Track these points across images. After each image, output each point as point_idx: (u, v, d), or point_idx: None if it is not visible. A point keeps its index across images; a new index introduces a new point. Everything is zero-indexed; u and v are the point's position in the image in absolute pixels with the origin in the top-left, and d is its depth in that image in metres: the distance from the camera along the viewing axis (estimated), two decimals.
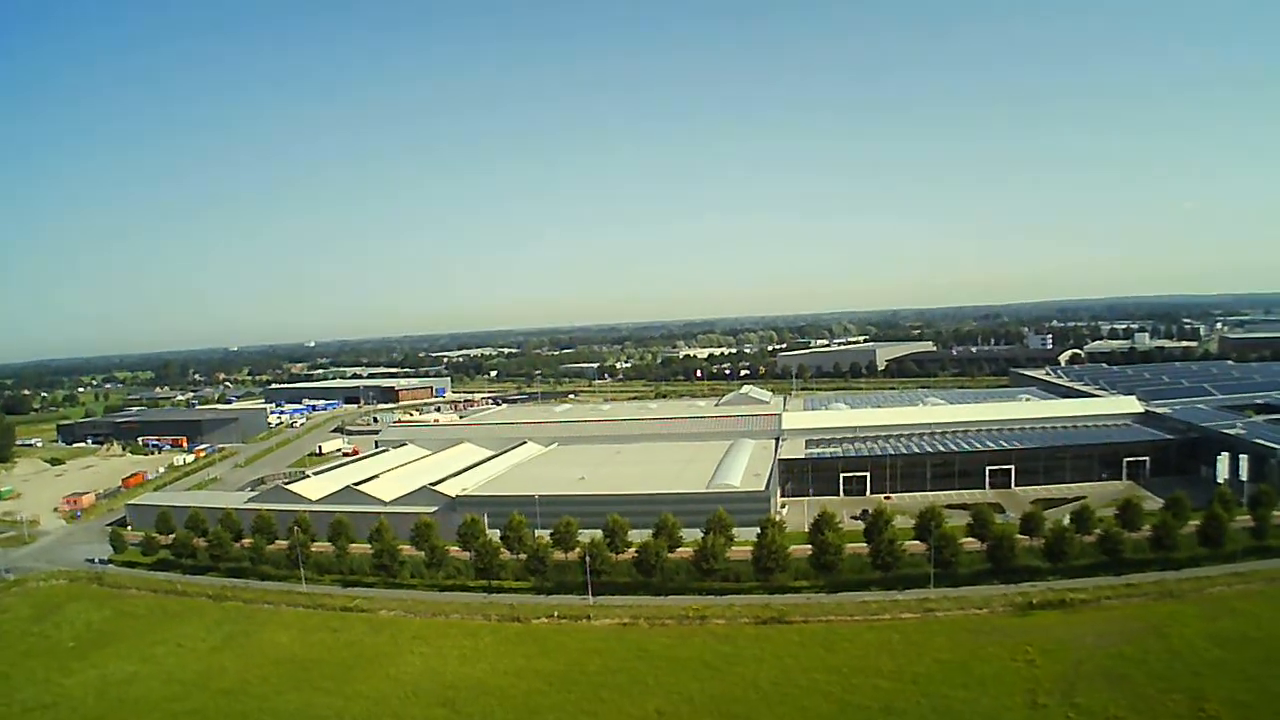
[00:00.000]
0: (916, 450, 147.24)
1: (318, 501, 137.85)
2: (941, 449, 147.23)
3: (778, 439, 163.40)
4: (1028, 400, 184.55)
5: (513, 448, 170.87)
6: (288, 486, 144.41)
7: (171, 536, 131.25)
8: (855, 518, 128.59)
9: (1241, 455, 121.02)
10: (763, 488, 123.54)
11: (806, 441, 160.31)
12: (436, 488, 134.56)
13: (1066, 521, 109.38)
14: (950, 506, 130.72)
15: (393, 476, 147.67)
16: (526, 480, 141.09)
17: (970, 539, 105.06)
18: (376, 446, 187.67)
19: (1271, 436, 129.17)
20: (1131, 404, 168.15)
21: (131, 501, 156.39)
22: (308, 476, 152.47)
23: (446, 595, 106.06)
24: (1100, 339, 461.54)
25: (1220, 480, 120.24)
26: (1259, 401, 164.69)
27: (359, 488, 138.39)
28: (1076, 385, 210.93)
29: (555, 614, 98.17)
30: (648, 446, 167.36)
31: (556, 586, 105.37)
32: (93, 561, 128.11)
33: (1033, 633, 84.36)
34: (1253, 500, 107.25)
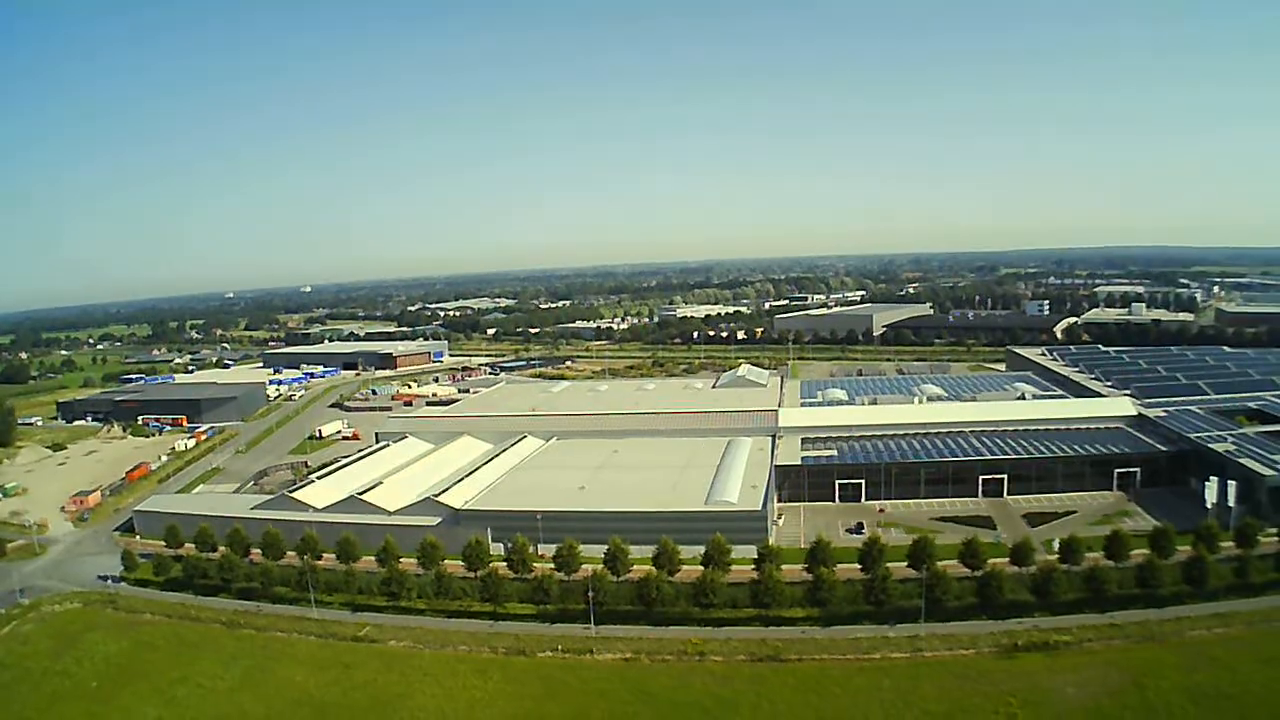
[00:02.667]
0: (911, 458, 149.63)
1: (323, 510, 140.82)
2: (936, 456, 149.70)
3: (774, 436, 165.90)
4: (1022, 399, 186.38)
5: (512, 444, 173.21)
6: (292, 494, 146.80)
7: (182, 549, 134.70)
8: (850, 530, 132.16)
9: (1230, 481, 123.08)
10: (759, 506, 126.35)
11: (802, 441, 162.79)
12: (440, 498, 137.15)
13: (1056, 546, 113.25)
14: (943, 519, 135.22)
15: (395, 482, 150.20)
16: (528, 488, 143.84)
17: (960, 563, 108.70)
18: (377, 440, 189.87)
19: (1260, 456, 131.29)
20: (1124, 405, 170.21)
21: (139, 508, 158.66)
22: (311, 481, 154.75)
23: (453, 622, 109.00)
24: (1096, 305, 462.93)
25: (1209, 504, 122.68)
26: (1252, 405, 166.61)
27: (363, 497, 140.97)
28: (1072, 374, 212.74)
29: (559, 647, 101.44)
30: (645, 443, 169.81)
31: (559, 614, 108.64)
32: (105, 579, 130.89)
33: (1017, 679, 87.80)
34: (1239, 533, 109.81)
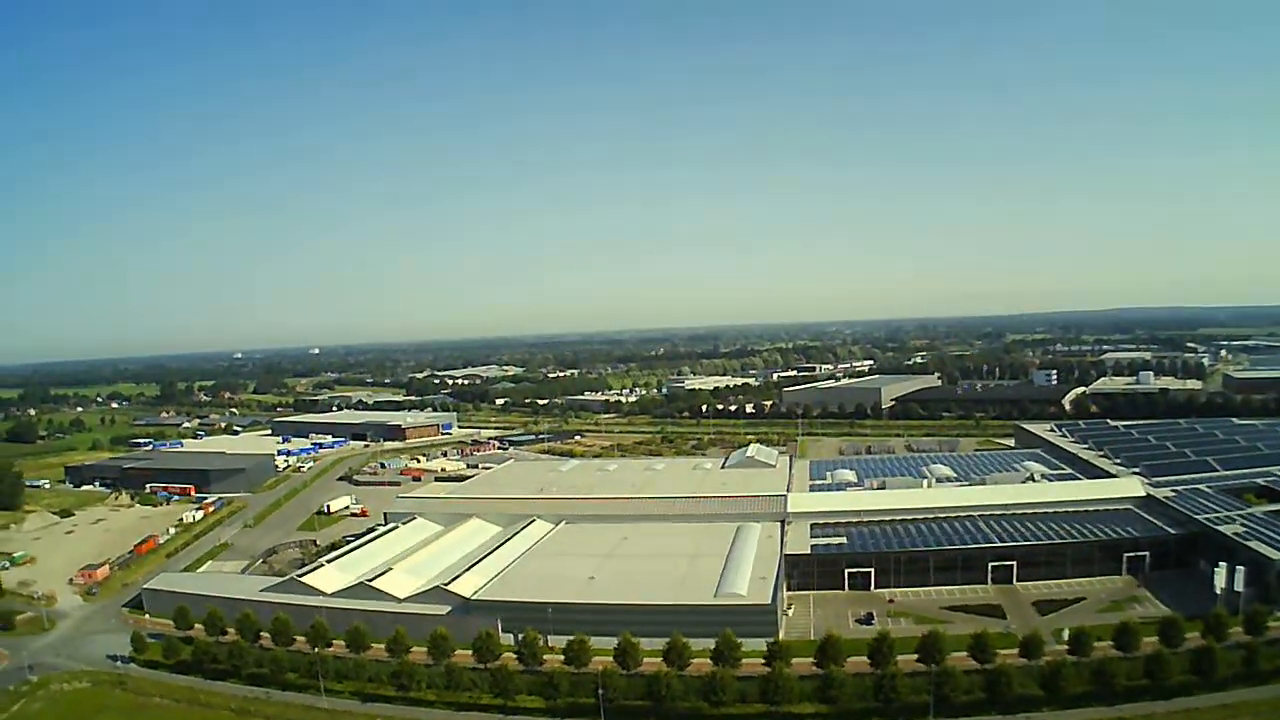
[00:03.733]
0: (921, 546, 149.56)
1: (332, 595, 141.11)
2: (945, 543, 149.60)
3: (784, 522, 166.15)
4: (1031, 479, 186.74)
5: (522, 528, 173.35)
6: (301, 578, 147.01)
7: (191, 630, 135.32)
8: (860, 621, 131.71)
9: (1239, 565, 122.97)
10: (769, 599, 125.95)
11: (811, 527, 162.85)
12: (450, 587, 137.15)
13: (1065, 636, 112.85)
14: (952, 609, 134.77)
15: (405, 567, 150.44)
16: (537, 576, 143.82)
17: (970, 656, 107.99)
18: (386, 520, 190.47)
19: (1268, 538, 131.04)
20: (1133, 486, 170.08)
21: (148, 586, 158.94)
22: (320, 564, 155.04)
23: (463, 716, 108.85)
24: (1104, 373, 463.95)
25: (1218, 589, 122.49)
26: (1261, 481, 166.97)
27: (373, 584, 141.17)
28: (1081, 451, 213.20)
29: None
30: (654, 528, 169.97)
31: (569, 709, 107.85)
32: (114, 659, 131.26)
33: None
34: (1247, 619, 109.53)
